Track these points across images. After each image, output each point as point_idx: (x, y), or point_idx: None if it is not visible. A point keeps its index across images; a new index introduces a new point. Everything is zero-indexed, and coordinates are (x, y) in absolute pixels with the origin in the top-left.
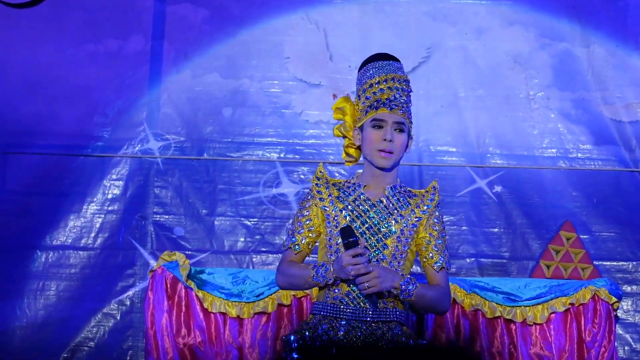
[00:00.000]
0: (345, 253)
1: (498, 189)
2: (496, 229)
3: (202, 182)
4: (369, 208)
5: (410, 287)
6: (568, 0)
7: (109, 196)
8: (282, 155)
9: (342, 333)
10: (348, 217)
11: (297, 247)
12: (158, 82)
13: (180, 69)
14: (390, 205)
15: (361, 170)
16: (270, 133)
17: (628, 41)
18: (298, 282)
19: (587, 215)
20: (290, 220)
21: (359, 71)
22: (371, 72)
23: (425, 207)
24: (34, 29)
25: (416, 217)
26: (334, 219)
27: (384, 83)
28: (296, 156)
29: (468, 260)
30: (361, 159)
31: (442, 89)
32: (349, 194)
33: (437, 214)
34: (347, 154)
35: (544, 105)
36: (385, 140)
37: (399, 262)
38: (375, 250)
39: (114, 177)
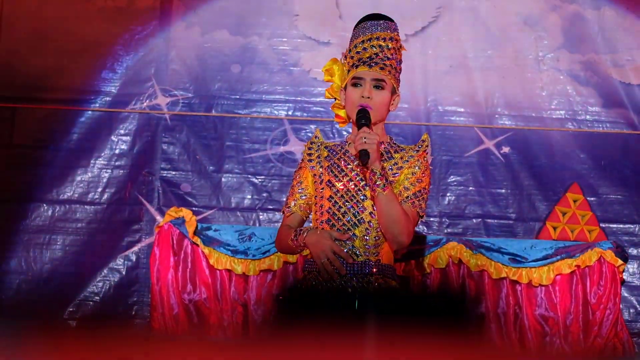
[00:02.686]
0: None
1: (506, 149)
2: (503, 190)
3: (210, 138)
4: (351, 163)
5: (386, 182)
6: None
7: (117, 151)
8: (290, 113)
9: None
10: (331, 173)
11: (288, 209)
12: (167, 38)
13: (189, 25)
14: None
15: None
16: (278, 90)
17: (639, 4)
18: (284, 246)
19: (594, 177)
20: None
21: (355, 28)
22: (358, 32)
23: (407, 157)
24: None
25: (398, 167)
26: (319, 176)
27: (368, 42)
28: (304, 114)
29: (474, 220)
30: None
31: (451, 49)
32: (336, 152)
33: (420, 162)
34: (337, 115)
35: (553, 67)
36: (362, 97)
37: None
38: (355, 201)
39: (122, 132)
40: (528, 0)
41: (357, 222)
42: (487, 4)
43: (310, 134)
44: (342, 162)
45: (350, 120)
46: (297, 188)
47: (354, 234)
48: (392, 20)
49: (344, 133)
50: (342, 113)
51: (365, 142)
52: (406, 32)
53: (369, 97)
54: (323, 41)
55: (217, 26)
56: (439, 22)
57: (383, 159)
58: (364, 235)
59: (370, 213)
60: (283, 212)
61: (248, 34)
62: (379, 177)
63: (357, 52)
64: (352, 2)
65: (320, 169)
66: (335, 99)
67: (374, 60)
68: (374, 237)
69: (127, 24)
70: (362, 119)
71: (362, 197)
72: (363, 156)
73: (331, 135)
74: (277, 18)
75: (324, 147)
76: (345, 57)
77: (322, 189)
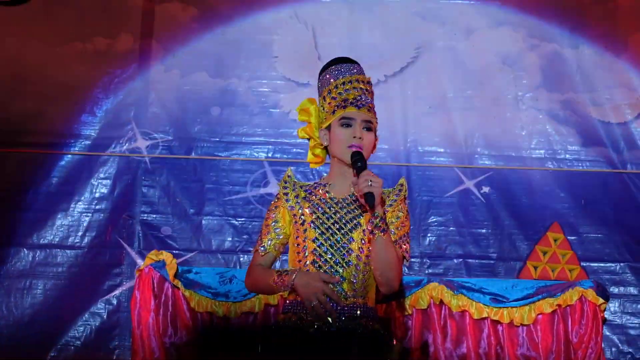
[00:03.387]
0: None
1: (486, 189)
2: (484, 230)
3: (190, 181)
4: (334, 205)
5: (386, 226)
6: (557, 1)
7: (97, 195)
8: (270, 155)
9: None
10: (314, 214)
11: (262, 248)
12: (146, 81)
13: (169, 67)
14: (356, 201)
15: (325, 174)
16: (258, 132)
17: (617, 43)
18: (262, 286)
19: (574, 216)
20: (264, 222)
21: (320, 75)
22: (334, 73)
23: (390, 202)
24: (22, 26)
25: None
26: (300, 217)
27: (349, 84)
28: (284, 156)
29: (455, 260)
30: (327, 159)
31: (431, 89)
32: (315, 194)
33: (401, 206)
34: (314, 154)
35: (532, 106)
36: (355, 137)
37: (367, 256)
38: (342, 244)
39: (102, 175)
40: (506, 39)
41: (344, 264)
42: (466, 44)
43: None
44: (325, 204)
45: (332, 160)
46: (274, 227)
47: (341, 277)
48: (360, 65)
49: (324, 174)
50: (319, 152)
51: (371, 185)
52: (385, 72)
53: (360, 138)
54: (302, 82)
55: (196, 69)
56: (417, 63)
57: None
58: (351, 278)
59: (357, 256)
60: (256, 251)
61: (227, 76)
62: (381, 221)
63: (339, 93)
64: (330, 43)
65: (300, 210)
66: (309, 138)
67: (360, 101)
68: (361, 280)
69: (106, 67)
70: (359, 161)
71: (350, 239)
72: (370, 199)
73: (311, 177)
74: (256, 60)
75: (299, 186)
76: (325, 97)
77: (305, 229)
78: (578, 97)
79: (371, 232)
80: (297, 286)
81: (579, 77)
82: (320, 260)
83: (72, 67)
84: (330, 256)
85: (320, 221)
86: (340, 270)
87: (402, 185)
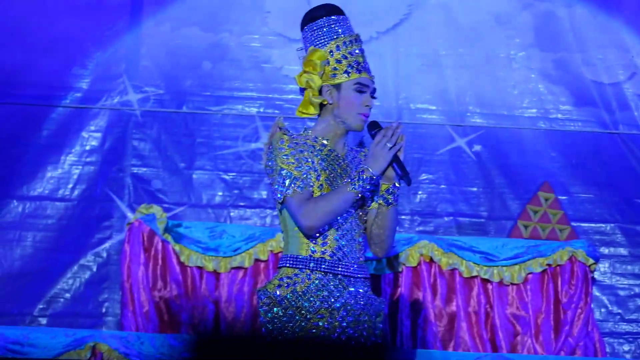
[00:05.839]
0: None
1: (477, 148)
2: (475, 188)
3: (181, 135)
4: (341, 162)
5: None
6: None
7: (87, 148)
8: (261, 110)
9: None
10: (326, 170)
11: (300, 188)
12: (137, 35)
13: (160, 21)
14: (351, 161)
15: (310, 128)
16: (250, 87)
17: (610, 2)
18: (334, 206)
19: (565, 176)
20: (278, 172)
21: (314, 21)
22: (337, 26)
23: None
24: None
25: None
26: (315, 171)
27: (356, 43)
28: (276, 111)
29: (446, 219)
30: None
31: (423, 46)
32: (318, 148)
33: None
34: (311, 106)
35: (525, 65)
36: (367, 105)
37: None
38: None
39: (92, 128)
40: None
41: (355, 226)
42: (459, 1)
43: None
44: (332, 160)
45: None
46: (306, 164)
47: (355, 239)
48: None
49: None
50: (313, 105)
51: (397, 144)
52: (377, 29)
53: (370, 107)
54: (294, 38)
55: (188, 23)
56: (410, 20)
57: (357, 162)
58: (360, 240)
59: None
60: (293, 194)
61: (219, 31)
62: (394, 186)
63: (350, 53)
64: None
65: (311, 161)
66: (306, 88)
67: (369, 68)
68: (363, 242)
69: (97, 19)
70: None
71: (364, 203)
72: (398, 167)
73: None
74: (248, 15)
75: (295, 136)
76: (332, 52)
77: (321, 185)
78: (571, 57)
79: (386, 200)
80: (371, 162)
81: (572, 36)
82: (339, 219)
83: (62, 18)
84: (347, 216)
85: (333, 176)
86: (353, 232)
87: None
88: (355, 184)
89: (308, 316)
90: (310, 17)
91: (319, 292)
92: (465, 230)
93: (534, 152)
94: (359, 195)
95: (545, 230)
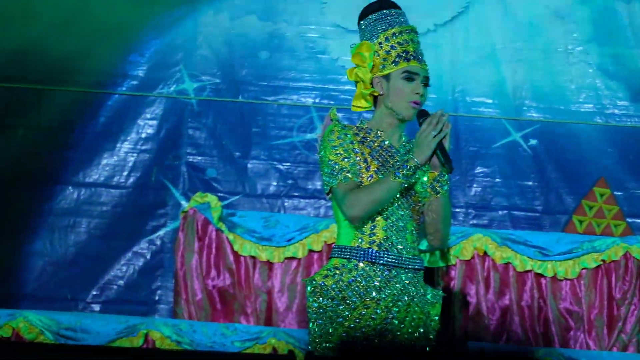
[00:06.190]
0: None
1: (533, 142)
2: (530, 182)
3: (236, 124)
4: (394, 153)
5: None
6: None
7: (143, 135)
8: (317, 101)
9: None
10: (376, 160)
11: (345, 179)
12: (195, 23)
13: (218, 10)
14: (406, 152)
15: (366, 119)
16: (306, 78)
17: None
18: (378, 195)
19: (622, 171)
20: (326, 162)
21: (367, 17)
22: (389, 19)
23: None
24: None
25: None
26: (364, 162)
27: (407, 34)
28: (331, 102)
29: (500, 212)
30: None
31: (480, 40)
32: (371, 139)
33: None
34: (365, 100)
35: (583, 60)
36: (417, 93)
37: (420, 204)
38: (407, 195)
39: (148, 116)
40: None
41: (406, 217)
42: None
43: None
44: (385, 152)
45: (383, 110)
46: (354, 155)
47: (406, 229)
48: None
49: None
50: (366, 99)
51: (441, 131)
52: (435, 21)
53: (422, 95)
54: (351, 29)
55: (245, 12)
56: (468, 13)
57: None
58: (412, 230)
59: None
60: (339, 185)
61: (276, 21)
62: (440, 175)
63: (399, 43)
64: None
65: (362, 152)
66: (358, 81)
67: (421, 56)
68: (417, 234)
69: (155, 8)
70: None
71: (412, 192)
72: (441, 153)
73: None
74: (305, 5)
75: (349, 128)
76: (381, 44)
77: (370, 176)
78: (629, 52)
79: (434, 189)
80: (417, 152)
81: (630, 31)
82: (387, 209)
83: (120, 7)
84: (396, 206)
85: (384, 168)
86: (405, 222)
87: None
88: (399, 173)
89: (353, 306)
90: (364, 12)
91: (364, 283)
92: (519, 224)
93: (590, 147)
94: (404, 184)
95: (600, 225)
